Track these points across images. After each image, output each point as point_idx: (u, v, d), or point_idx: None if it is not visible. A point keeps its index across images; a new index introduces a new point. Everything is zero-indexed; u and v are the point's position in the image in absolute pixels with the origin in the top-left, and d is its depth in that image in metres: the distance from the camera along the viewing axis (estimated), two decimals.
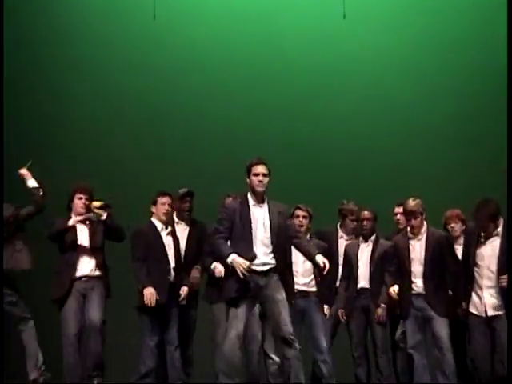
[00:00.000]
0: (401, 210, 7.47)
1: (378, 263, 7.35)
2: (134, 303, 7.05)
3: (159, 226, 7.17)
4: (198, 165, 9.29)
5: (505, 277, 6.54)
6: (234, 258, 6.15)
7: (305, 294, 7.20)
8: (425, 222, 7.00)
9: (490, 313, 6.66)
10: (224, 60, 9.46)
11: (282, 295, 6.24)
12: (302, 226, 7.16)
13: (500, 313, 6.60)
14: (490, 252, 6.68)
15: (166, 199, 7.17)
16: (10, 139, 9.05)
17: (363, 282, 7.38)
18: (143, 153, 9.38)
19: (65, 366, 6.96)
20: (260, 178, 6.25)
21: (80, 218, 7.06)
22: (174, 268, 7.09)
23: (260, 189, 6.27)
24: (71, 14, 9.59)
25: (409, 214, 6.93)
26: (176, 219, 7.53)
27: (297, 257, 7.06)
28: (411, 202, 6.94)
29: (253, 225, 6.24)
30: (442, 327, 6.82)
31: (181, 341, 7.21)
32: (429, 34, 9.42)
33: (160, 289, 6.95)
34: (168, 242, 7.15)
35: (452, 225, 7.26)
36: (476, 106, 9.37)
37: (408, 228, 7.03)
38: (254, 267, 6.18)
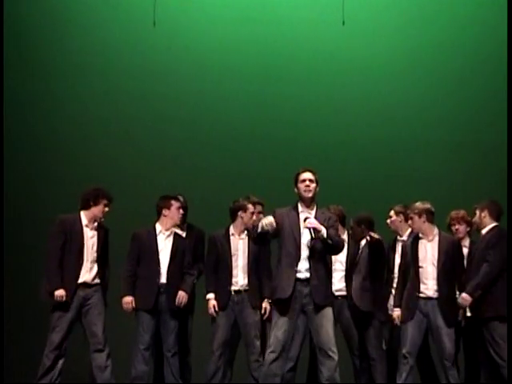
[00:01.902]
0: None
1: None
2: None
3: (158, 229, 7.22)
4: (198, 167, 9.31)
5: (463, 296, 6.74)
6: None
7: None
8: (436, 227, 7.06)
9: (468, 314, 6.85)
10: (223, 66, 9.46)
11: (327, 306, 6.33)
12: None
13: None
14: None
15: (180, 203, 7.28)
16: (10, 140, 9.10)
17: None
18: (143, 155, 9.41)
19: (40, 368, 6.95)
20: (307, 183, 6.44)
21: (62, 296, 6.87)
22: (167, 271, 7.12)
23: (307, 194, 6.43)
24: (72, 20, 9.58)
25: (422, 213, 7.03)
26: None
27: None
28: (422, 204, 7.05)
29: (302, 231, 6.38)
30: (448, 339, 6.81)
31: (179, 347, 7.22)
32: (428, 40, 9.43)
33: (148, 292, 7.06)
34: (166, 245, 7.18)
35: (457, 226, 7.26)
36: (476, 108, 9.41)
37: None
38: (298, 275, 6.33)
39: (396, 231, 7.49)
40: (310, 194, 6.44)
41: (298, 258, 6.35)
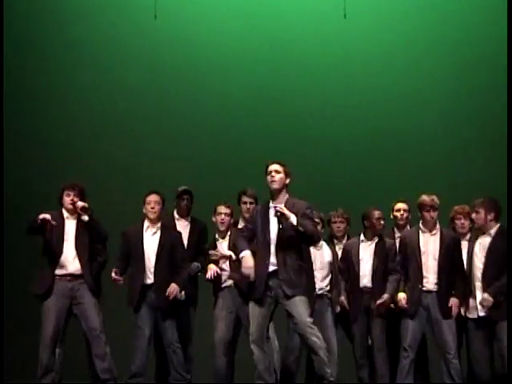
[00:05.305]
0: (404, 206, 7.54)
1: (383, 261, 7.32)
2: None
3: (146, 225, 7.19)
4: (199, 162, 9.30)
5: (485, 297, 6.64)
6: (244, 255, 6.36)
7: (319, 296, 7.23)
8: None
9: (481, 313, 6.73)
10: (224, 60, 9.45)
11: (296, 295, 6.25)
12: None
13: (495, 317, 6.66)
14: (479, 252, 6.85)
15: (150, 197, 7.16)
16: (10, 137, 9.11)
17: (366, 280, 7.33)
18: (146, 151, 9.41)
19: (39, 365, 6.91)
20: (272, 174, 6.39)
21: (48, 216, 6.83)
22: (154, 269, 7.06)
23: (272, 185, 6.40)
24: (73, 14, 9.59)
25: (429, 206, 6.98)
26: (176, 216, 7.60)
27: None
28: (428, 197, 7.00)
29: (270, 226, 6.37)
30: (449, 331, 6.85)
31: (181, 338, 7.23)
32: (430, 33, 9.43)
33: (133, 290, 7.05)
34: (151, 242, 7.13)
35: (462, 221, 7.22)
36: (478, 103, 9.39)
37: (420, 222, 7.08)
38: (270, 269, 6.29)
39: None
40: (275, 185, 6.37)
41: (269, 253, 6.31)
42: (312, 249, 7.17)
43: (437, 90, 9.41)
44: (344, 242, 7.62)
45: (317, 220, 6.95)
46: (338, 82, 9.47)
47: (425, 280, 6.95)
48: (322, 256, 7.31)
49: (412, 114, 9.42)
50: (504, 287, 6.66)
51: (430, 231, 7.02)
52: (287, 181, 6.44)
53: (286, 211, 6.22)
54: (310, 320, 6.25)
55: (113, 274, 6.98)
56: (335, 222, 7.62)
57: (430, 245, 6.99)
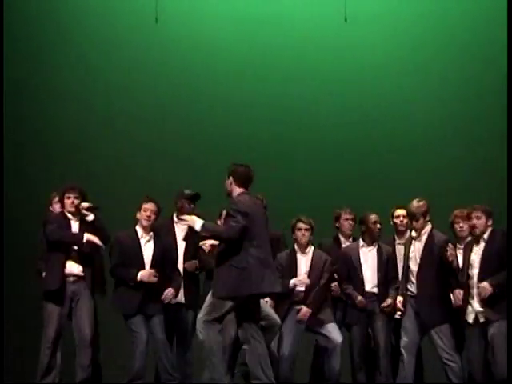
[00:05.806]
0: (403, 212, 7.45)
1: (384, 267, 7.33)
2: None
3: (140, 232, 7.19)
4: (200, 163, 9.30)
5: (483, 285, 6.55)
6: None
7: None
8: (429, 224, 7.03)
9: (482, 320, 6.67)
10: (225, 63, 9.47)
11: (217, 296, 6.29)
12: (303, 239, 7.25)
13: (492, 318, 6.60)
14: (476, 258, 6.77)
15: (148, 206, 7.15)
16: (11, 139, 9.15)
17: (370, 285, 7.33)
18: (145, 153, 9.45)
19: (40, 366, 6.92)
20: None
21: (92, 238, 6.90)
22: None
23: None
24: (74, 17, 9.63)
25: (410, 215, 7.01)
26: (175, 219, 7.55)
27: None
28: (414, 204, 6.99)
29: None
30: (438, 336, 6.85)
31: (180, 342, 7.28)
32: (430, 37, 9.43)
33: (132, 298, 7.03)
34: (146, 249, 7.15)
35: (461, 224, 7.10)
36: (478, 107, 9.38)
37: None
38: None
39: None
40: (227, 193, 6.44)
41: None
42: (299, 254, 7.26)
43: (446, 92, 9.42)
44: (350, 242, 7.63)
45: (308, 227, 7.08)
46: (338, 86, 9.46)
47: (412, 285, 6.98)
48: (307, 260, 7.29)
49: (421, 116, 9.41)
50: (504, 280, 6.54)
51: (418, 237, 7.03)
52: (229, 181, 6.42)
53: (188, 221, 6.31)
54: (204, 319, 6.37)
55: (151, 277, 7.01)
56: (347, 219, 7.60)
57: (415, 250, 7.01)
